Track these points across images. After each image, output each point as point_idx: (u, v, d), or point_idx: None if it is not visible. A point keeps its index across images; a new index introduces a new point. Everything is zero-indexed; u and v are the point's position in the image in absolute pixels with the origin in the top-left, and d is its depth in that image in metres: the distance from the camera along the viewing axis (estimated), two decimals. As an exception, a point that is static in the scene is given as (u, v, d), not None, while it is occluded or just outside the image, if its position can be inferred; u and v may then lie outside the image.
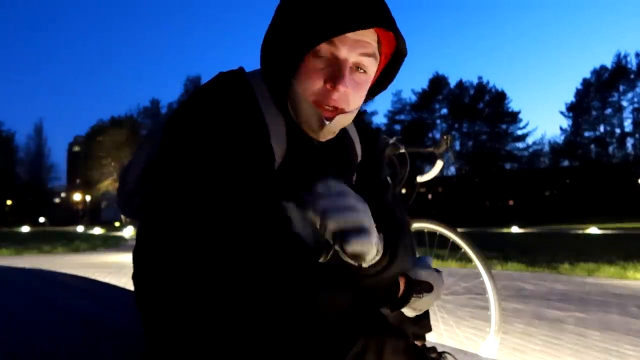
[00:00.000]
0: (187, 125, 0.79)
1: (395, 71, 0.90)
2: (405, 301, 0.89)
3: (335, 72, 0.79)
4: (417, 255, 1.01)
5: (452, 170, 56.78)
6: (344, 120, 0.85)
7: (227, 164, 0.75)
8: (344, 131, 0.96)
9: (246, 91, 0.83)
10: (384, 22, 0.78)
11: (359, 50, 0.80)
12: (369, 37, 0.81)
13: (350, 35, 0.78)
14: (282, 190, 0.81)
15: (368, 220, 0.71)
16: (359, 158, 1.00)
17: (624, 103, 56.81)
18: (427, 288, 0.91)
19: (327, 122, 0.82)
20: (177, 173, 0.77)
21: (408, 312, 0.94)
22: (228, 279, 0.72)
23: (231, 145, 0.76)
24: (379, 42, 0.84)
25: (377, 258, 0.77)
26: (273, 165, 0.82)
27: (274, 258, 0.72)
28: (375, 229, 0.73)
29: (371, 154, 1.01)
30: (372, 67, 0.84)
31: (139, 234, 0.91)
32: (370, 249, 0.71)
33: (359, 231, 0.69)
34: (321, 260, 0.79)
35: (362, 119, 1.04)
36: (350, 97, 0.82)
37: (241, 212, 0.73)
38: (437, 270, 0.97)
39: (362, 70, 0.82)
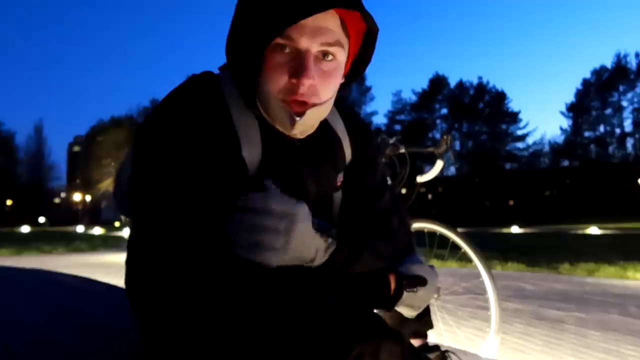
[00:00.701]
0: (153, 136, 0.78)
1: (370, 50, 0.85)
2: (398, 296, 0.87)
3: (298, 65, 0.75)
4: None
5: (452, 170, 56.77)
6: (317, 114, 0.81)
7: (194, 174, 0.75)
8: (329, 129, 0.93)
9: (215, 96, 0.81)
10: (338, 1, 0.73)
11: (320, 39, 0.76)
12: (329, 22, 0.76)
13: (307, 22, 0.74)
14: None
15: (273, 238, 0.72)
16: (348, 158, 0.96)
17: (624, 103, 56.89)
18: (421, 282, 0.89)
19: (298, 118, 0.79)
20: (146, 184, 0.77)
21: (408, 311, 0.92)
22: (210, 290, 0.72)
23: (197, 155, 0.76)
24: (344, 24, 0.79)
25: (325, 257, 0.78)
26: (244, 173, 0.80)
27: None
28: (297, 235, 0.73)
29: (364, 151, 0.97)
30: (340, 54, 0.80)
31: (128, 239, 0.91)
32: (277, 259, 0.72)
33: (256, 246, 0.72)
34: (317, 263, 0.78)
35: (354, 115, 1.00)
36: (320, 88, 0.78)
37: (213, 221, 0.74)
38: (430, 266, 0.95)
39: (328, 59, 0.78)
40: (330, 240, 0.79)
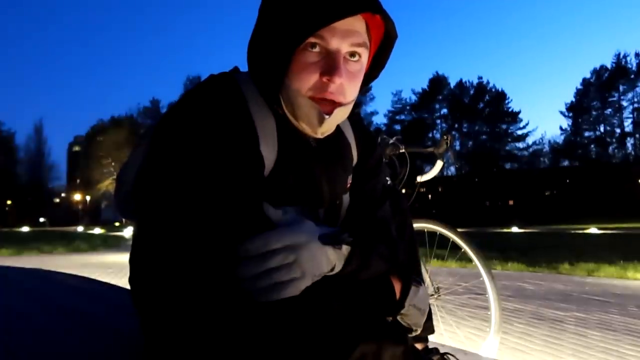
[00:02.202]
0: (174, 132, 0.78)
1: (386, 56, 0.88)
2: (407, 288, 0.87)
3: (330, 64, 0.78)
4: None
5: (452, 170, 56.90)
6: (342, 114, 0.84)
7: (215, 171, 0.75)
8: (339, 132, 0.95)
9: (235, 95, 0.82)
10: (368, 6, 0.77)
11: (349, 40, 0.79)
12: (357, 25, 0.80)
13: (338, 25, 0.77)
14: (274, 195, 0.81)
15: (287, 272, 0.70)
16: (355, 160, 0.98)
17: (624, 103, 57.11)
18: (421, 278, 0.89)
19: (327, 117, 0.81)
20: (165, 181, 0.77)
21: (416, 317, 0.90)
22: (218, 283, 0.72)
23: (219, 152, 0.76)
24: (367, 29, 0.83)
25: (339, 267, 0.77)
26: (262, 171, 0.81)
27: None
28: (309, 261, 0.72)
29: (368, 159, 1.00)
30: (364, 56, 0.83)
31: (134, 238, 0.91)
32: (301, 285, 0.71)
33: (275, 287, 0.70)
34: (336, 270, 0.78)
35: (361, 123, 1.03)
36: (346, 88, 0.81)
37: (229, 218, 0.73)
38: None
39: (355, 59, 0.81)
40: (344, 246, 0.78)
